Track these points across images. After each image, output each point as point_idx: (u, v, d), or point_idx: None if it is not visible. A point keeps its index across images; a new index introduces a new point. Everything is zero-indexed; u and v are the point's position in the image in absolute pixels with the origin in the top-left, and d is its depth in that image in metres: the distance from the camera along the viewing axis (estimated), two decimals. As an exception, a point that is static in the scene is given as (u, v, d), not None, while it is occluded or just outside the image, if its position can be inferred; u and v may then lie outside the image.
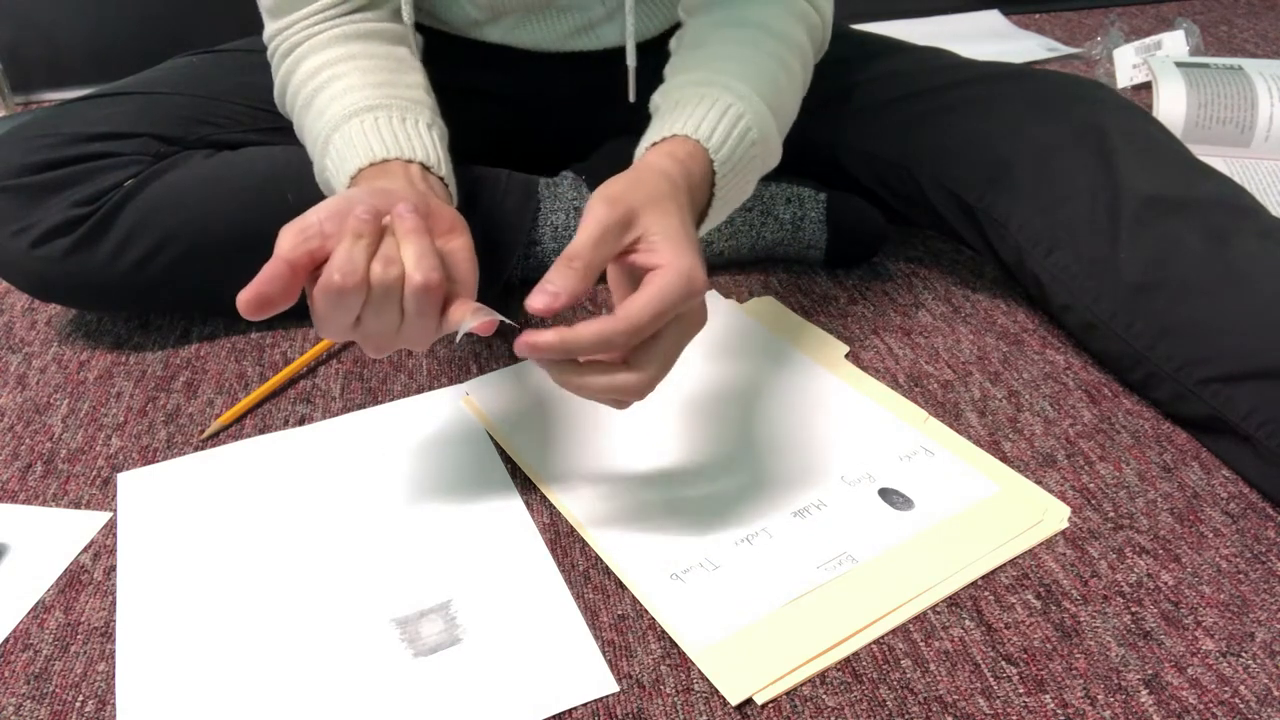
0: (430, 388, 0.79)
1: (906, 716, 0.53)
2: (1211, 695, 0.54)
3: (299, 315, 0.60)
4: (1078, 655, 0.56)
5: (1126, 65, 1.35)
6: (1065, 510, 0.66)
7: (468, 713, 0.53)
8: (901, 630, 0.58)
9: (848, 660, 0.56)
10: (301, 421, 0.76)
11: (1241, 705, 0.53)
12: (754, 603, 0.59)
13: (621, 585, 0.61)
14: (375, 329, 0.52)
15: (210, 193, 0.80)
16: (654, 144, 0.61)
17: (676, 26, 0.74)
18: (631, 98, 0.67)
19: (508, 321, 0.54)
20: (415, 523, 0.66)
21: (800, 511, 0.65)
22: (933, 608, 0.59)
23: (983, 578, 0.61)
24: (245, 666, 0.57)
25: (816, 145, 0.88)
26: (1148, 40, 1.36)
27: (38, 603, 0.62)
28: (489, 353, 0.82)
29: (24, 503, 0.70)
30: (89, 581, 0.63)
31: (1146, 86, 1.31)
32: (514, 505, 0.67)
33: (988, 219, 0.81)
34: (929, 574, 0.61)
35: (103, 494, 0.70)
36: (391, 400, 0.77)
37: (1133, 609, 0.59)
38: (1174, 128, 1.11)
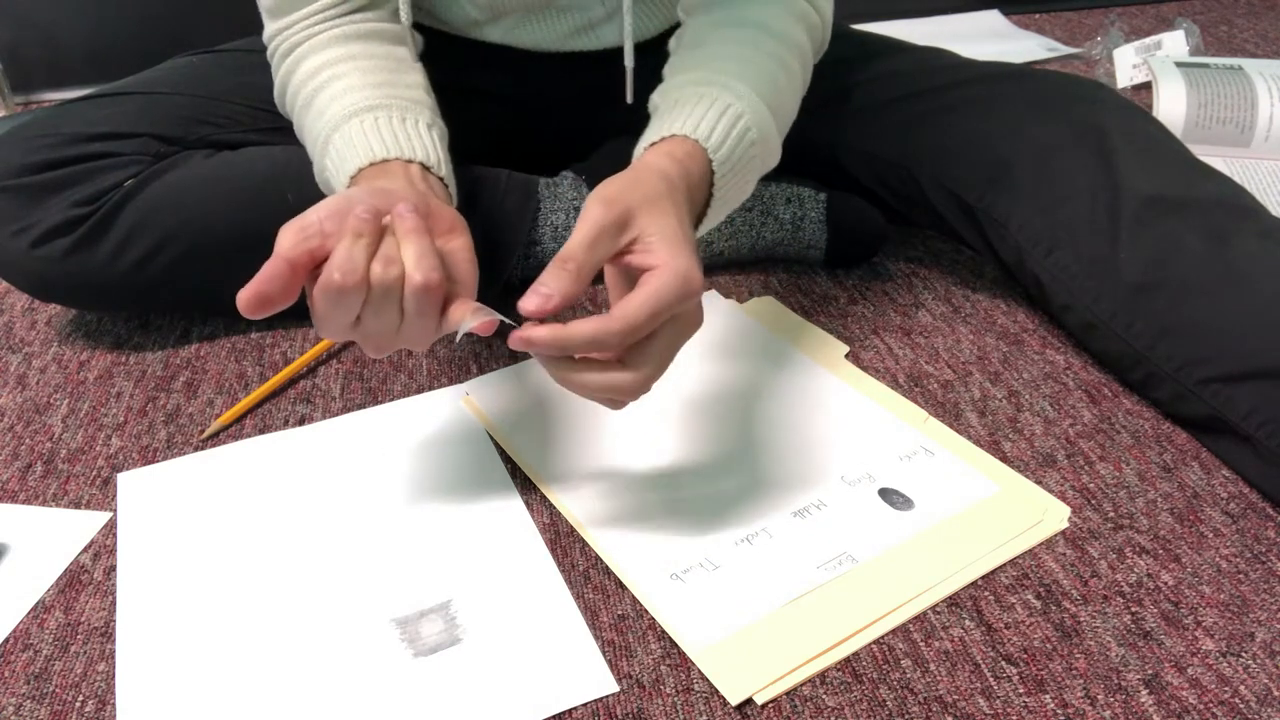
0: (430, 388, 0.79)
1: (906, 716, 0.53)
2: (1211, 695, 0.54)
3: (299, 315, 0.60)
4: (1078, 655, 0.56)
5: (1126, 65, 1.35)
6: (1065, 510, 0.66)
7: (468, 713, 0.53)
8: (901, 630, 0.58)
9: (848, 660, 0.56)
10: (301, 421, 0.76)
11: (1241, 705, 0.53)
12: (754, 603, 0.59)
13: (621, 585, 0.61)
14: (375, 329, 0.52)
15: (210, 193, 0.80)
16: (653, 144, 0.61)
17: (676, 27, 0.74)
18: (629, 99, 0.67)
19: (507, 321, 0.54)
20: (415, 523, 0.66)
21: (800, 511, 0.65)
22: (933, 608, 0.59)
23: (983, 578, 0.61)
24: (245, 666, 0.57)
25: (816, 145, 0.88)
26: (1148, 40, 1.36)
27: (38, 603, 0.62)
28: (489, 353, 0.82)
29: (24, 503, 0.70)
30: (89, 581, 0.63)
31: (1146, 86, 1.31)
32: (514, 505, 0.67)
33: (988, 219, 0.81)
34: (929, 574, 0.61)
35: (103, 494, 0.70)
36: (391, 400, 0.77)
37: (1133, 609, 0.59)
38: (1174, 128, 1.11)
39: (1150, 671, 0.55)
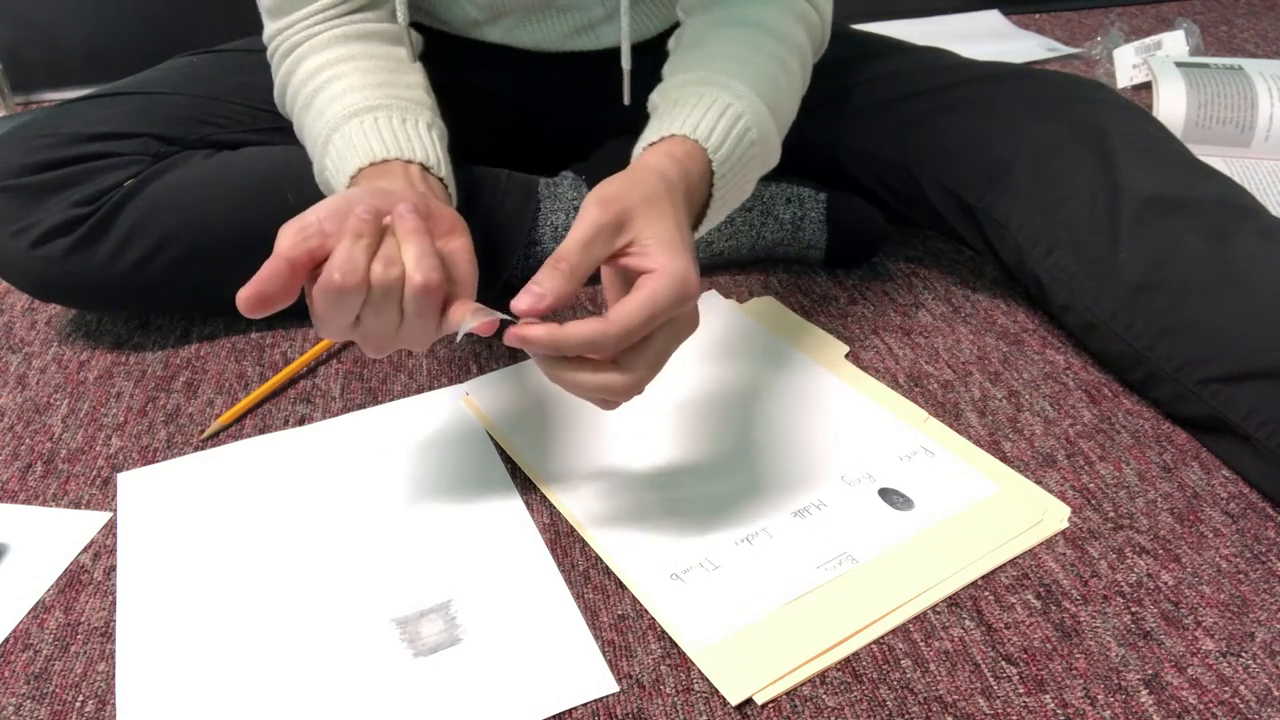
0: (430, 388, 0.79)
1: (906, 716, 0.53)
2: (1211, 695, 0.54)
3: (299, 315, 0.60)
4: (1078, 655, 0.56)
5: (1126, 65, 1.35)
6: (1065, 510, 0.66)
7: (468, 713, 0.53)
8: (901, 630, 0.58)
9: (848, 660, 0.56)
10: (301, 421, 0.76)
11: (1241, 705, 0.53)
12: (754, 603, 0.59)
13: (621, 585, 0.61)
14: (374, 329, 0.52)
15: (210, 193, 0.80)
16: (652, 144, 0.61)
17: (675, 27, 0.74)
18: (626, 100, 0.67)
19: (507, 319, 0.54)
20: (415, 523, 0.66)
21: (800, 511, 0.65)
22: (933, 608, 0.59)
23: (983, 578, 0.61)
24: (245, 666, 0.57)
25: (816, 145, 0.88)
26: (1148, 40, 1.36)
27: (38, 603, 0.62)
28: (489, 353, 0.82)
29: (24, 503, 0.70)
30: (89, 581, 0.63)
31: (1146, 86, 1.31)
32: (514, 505, 0.67)
33: (988, 219, 0.81)
34: (929, 574, 0.61)
35: (103, 494, 0.70)
36: (391, 400, 0.77)
37: (1133, 609, 0.59)
38: (1174, 128, 1.11)
39: (1150, 671, 0.55)
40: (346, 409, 0.77)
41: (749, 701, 0.54)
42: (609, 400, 0.55)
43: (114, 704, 0.55)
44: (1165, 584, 0.61)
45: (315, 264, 0.51)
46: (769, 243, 0.91)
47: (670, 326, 0.54)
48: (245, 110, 0.85)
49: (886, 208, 0.91)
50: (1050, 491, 0.67)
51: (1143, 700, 0.54)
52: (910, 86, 0.86)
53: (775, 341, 0.82)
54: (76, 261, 0.78)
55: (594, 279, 0.57)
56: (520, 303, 0.51)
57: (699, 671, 0.56)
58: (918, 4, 1.58)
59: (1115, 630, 0.58)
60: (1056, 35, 1.52)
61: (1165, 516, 0.65)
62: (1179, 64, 1.18)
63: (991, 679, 0.55)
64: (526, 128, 0.93)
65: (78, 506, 0.69)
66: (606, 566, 0.62)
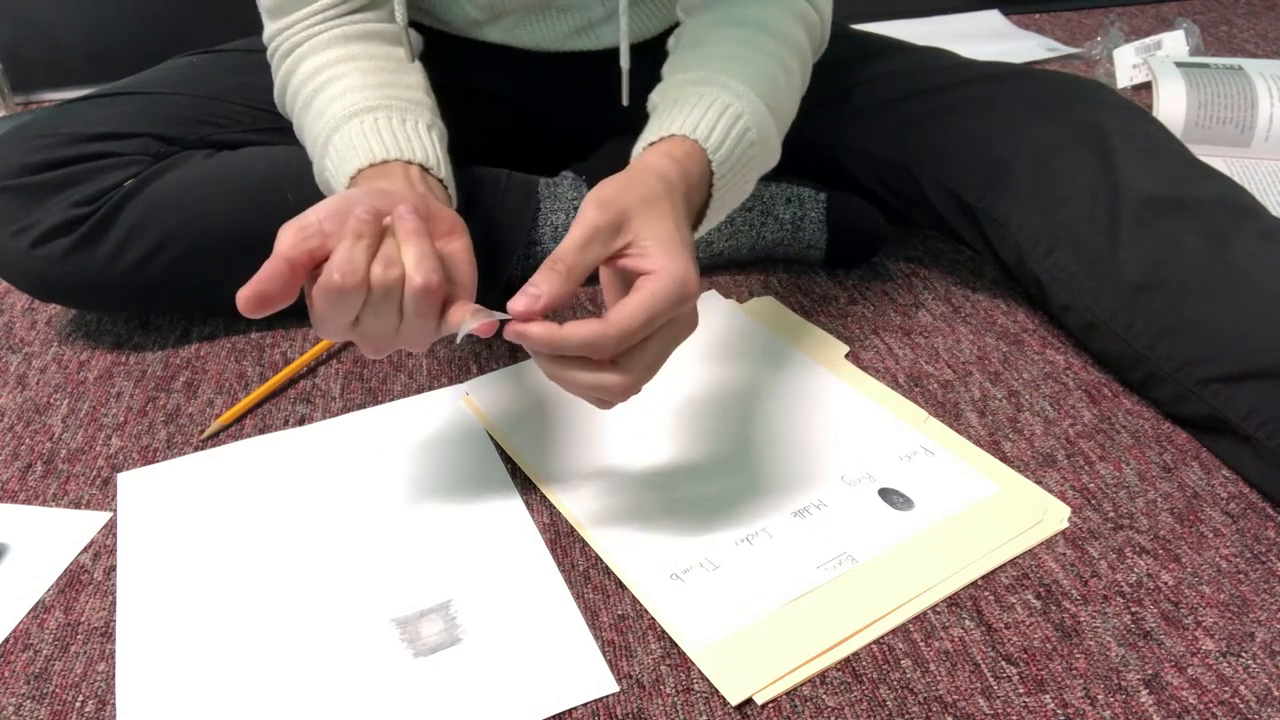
0: (430, 388, 0.79)
1: (906, 716, 0.53)
2: (1211, 695, 0.54)
3: (299, 315, 0.60)
4: (1078, 655, 0.56)
5: (1126, 65, 1.35)
6: (1065, 510, 0.66)
7: (468, 713, 0.54)
8: (901, 630, 0.58)
9: (848, 660, 0.56)
10: (301, 421, 0.76)
11: (1241, 705, 0.53)
12: (754, 603, 0.59)
13: (621, 585, 0.61)
14: (374, 329, 0.52)
15: (210, 193, 0.80)
16: (651, 143, 0.61)
17: (675, 27, 0.74)
18: (625, 101, 0.67)
19: (507, 320, 0.54)
20: (415, 523, 0.66)
21: (800, 511, 0.65)
22: (933, 608, 0.59)
23: (983, 578, 0.61)
24: (245, 666, 0.57)
25: (816, 145, 0.88)
26: (1148, 40, 1.36)
27: (38, 603, 0.62)
28: (489, 353, 0.82)
29: (24, 503, 0.70)
30: (89, 581, 0.63)
31: (1146, 86, 1.31)
32: (514, 505, 0.67)
33: (988, 219, 0.81)
34: (929, 574, 0.61)
35: (103, 494, 0.70)
36: (391, 400, 0.77)
37: (1133, 609, 0.59)
38: (1174, 128, 1.11)
39: (1150, 671, 0.55)
40: (346, 409, 0.77)
41: (749, 701, 0.54)
42: (605, 400, 0.55)
43: (114, 704, 0.55)
44: (1165, 584, 0.61)
45: (315, 264, 0.51)
46: (769, 243, 0.91)
47: (669, 327, 0.53)
48: (245, 110, 0.85)
49: (886, 208, 0.91)
50: (1050, 491, 0.67)
51: (1143, 700, 0.54)
52: (910, 86, 0.86)
53: (775, 341, 0.82)
54: (76, 261, 0.78)
55: (594, 278, 0.57)
56: (517, 304, 0.51)
57: (699, 671, 0.56)
58: (918, 4, 1.58)
59: (1115, 630, 0.58)
60: (1056, 35, 1.52)
61: (1165, 516, 0.65)
62: (1179, 64, 1.18)
63: (991, 679, 0.55)
64: (526, 128, 0.93)
65: (78, 506, 0.69)
66: (606, 566, 0.62)
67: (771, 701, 0.54)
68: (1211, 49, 1.46)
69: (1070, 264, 0.75)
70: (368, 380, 0.80)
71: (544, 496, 0.68)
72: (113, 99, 0.84)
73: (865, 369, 0.79)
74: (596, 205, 0.53)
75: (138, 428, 0.76)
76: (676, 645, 0.57)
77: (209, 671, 0.56)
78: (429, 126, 0.66)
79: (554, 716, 0.54)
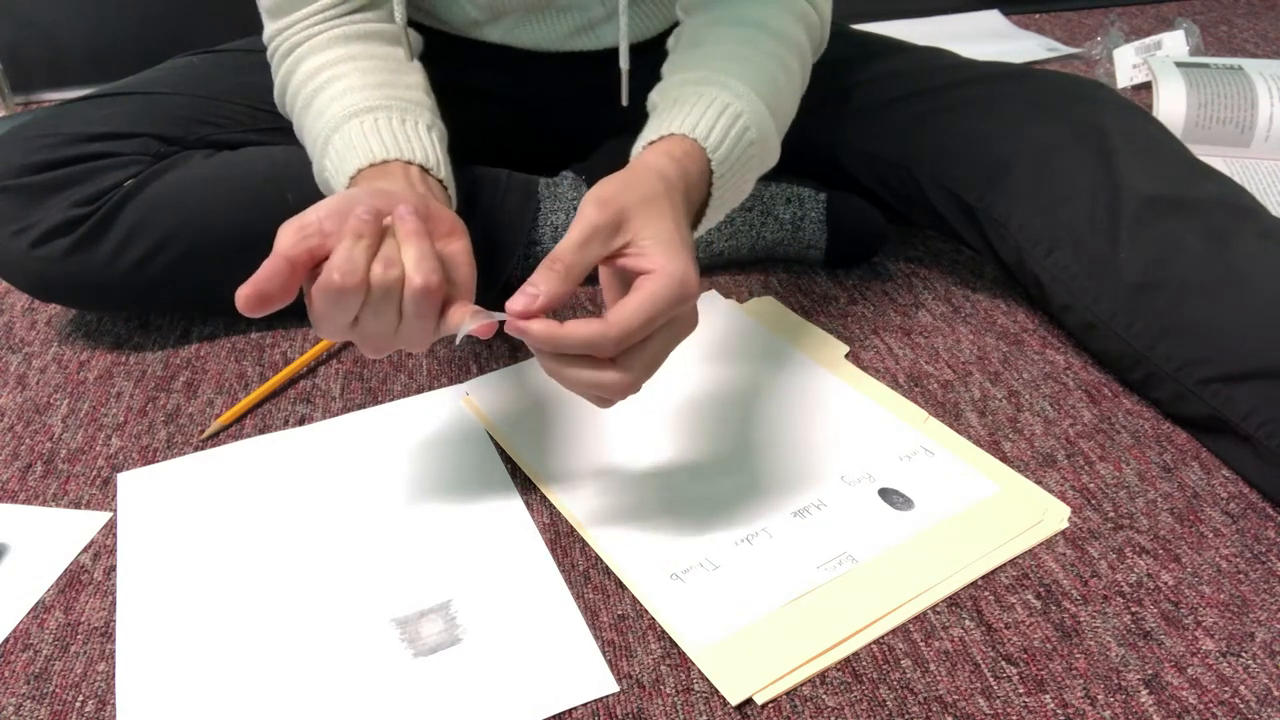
0: (430, 388, 0.79)
1: (906, 716, 0.53)
2: (1211, 695, 0.54)
3: (299, 315, 0.60)
4: (1078, 655, 0.56)
5: (1126, 65, 1.35)
6: (1065, 510, 0.66)
7: (468, 713, 0.53)
8: (901, 630, 0.58)
9: (848, 660, 0.56)
10: (301, 421, 0.76)
11: (1241, 705, 0.53)
12: (754, 603, 0.59)
13: (621, 585, 0.61)
14: (373, 329, 0.52)
15: (210, 193, 0.80)
16: (650, 142, 0.61)
17: (675, 27, 0.74)
18: (624, 101, 0.67)
19: (506, 321, 0.54)
20: (415, 523, 0.66)
21: (800, 511, 0.65)
22: (933, 608, 0.59)
23: (983, 578, 0.61)
24: (245, 666, 0.57)
25: (816, 145, 0.88)
26: (1148, 40, 1.36)
27: (38, 603, 0.62)
28: (489, 353, 0.82)
29: (24, 503, 0.70)
30: (89, 581, 0.63)
31: (1146, 86, 1.31)
32: (514, 505, 0.67)
33: (988, 219, 0.81)
34: (929, 574, 0.61)
35: (103, 494, 0.70)
36: (391, 400, 0.77)
37: (1133, 609, 0.59)
38: (1174, 128, 1.11)
39: (1150, 671, 0.55)
40: (346, 409, 0.77)
41: (749, 701, 0.54)
42: (605, 398, 0.55)
43: (114, 704, 0.55)
44: (1165, 584, 0.61)
45: (314, 263, 0.51)
46: (769, 243, 0.91)
47: (669, 326, 0.53)
48: (245, 110, 0.85)
49: (886, 208, 0.91)
50: (1050, 491, 0.67)
51: (1143, 700, 0.54)
52: (910, 86, 0.86)
53: (775, 341, 0.82)
54: (76, 261, 0.78)
55: (593, 278, 0.57)
56: (515, 304, 0.51)
57: (699, 671, 0.56)
58: (918, 4, 1.58)
59: (1115, 630, 0.58)
60: (1056, 35, 1.52)
61: (1165, 516, 0.65)
62: (1179, 64, 1.18)
63: (991, 679, 0.55)
64: (526, 128, 0.93)
65: (78, 506, 0.69)
66: (606, 566, 0.62)
67: (771, 701, 0.54)
68: (1211, 49, 1.46)
69: (1070, 264, 0.75)
70: (368, 380, 0.80)
71: (544, 496, 0.68)
72: (113, 99, 0.84)
73: (865, 369, 0.79)
74: (595, 204, 0.52)
75: (138, 428, 0.76)
76: (676, 645, 0.57)
77: (209, 671, 0.56)
78: (429, 127, 0.66)
79: (554, 716, 0.54)
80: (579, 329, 0.51)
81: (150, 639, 0.58)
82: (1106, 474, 0.69)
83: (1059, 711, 0.53)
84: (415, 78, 0.71)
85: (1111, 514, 0.66)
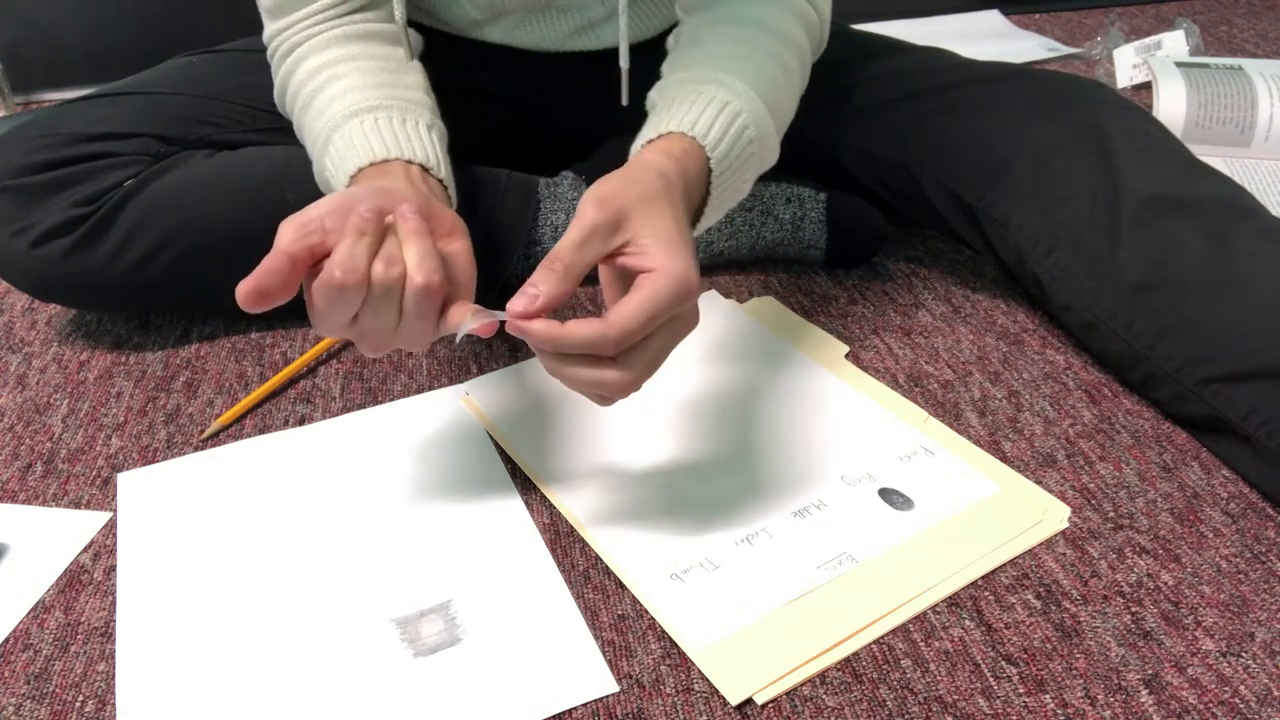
0: (430, 388, 0.79)
1: (906, 716, 0.53)
2: (1211, 695, 0.54)
3: (299, 315, 0.60)
4: (1078, 655, 0.56)
5: (1126, 65, 1.35)
6: (1065, 510, 0.66)
7: (468, 713, 0.53)
8: (901, 630, 0.58)
9: (848, 660, 0.56)
10: (301, 421, 0.76)
11: (1241, 705, 0.53)
12: (754, 603, 0.59)
13: (621, 585, 0.61)
14: (373, 328, 0.52)
15: (210, 193, 0.80)
16: (649, 141, 0.61)
17: (675, 27, 0.74)
18: (624, 100, 0.67)
19: (506, 321, 0.54)
20: (415, 523, 0.66)
21: (800, 511, 0.65)
22: (933, 608, 0.59)
23: (983, 578, 0.61)
24: (245, 666, 0.57)
25: (816, 145, 0.88)
26: (1148, 40, 1.36)
27: (38, 603, 0.62)
28: (489, 353, 0.82)
29: (24, 503, 0.69)
30: (89, 581, 0.63)
31: (1146, 86, 1.31)
32: (514, 505, 0.67)
33: (988, 219, 0.81)
34: (929, 574, 0.61)
35: (103, 494, 0.70)
36: (391, 400, 0.77)
37: (1133, 609, 0.59)
38: (1174, 128, 1.11)
39: (1150, 671, 0.55)
40: (346, 409, 0.77)
41: (749, 701, 0.54)
42: (606, 396, 0.55)
43: (114, 704, 0.55)
44: (1165, 584, 0.61)
45: (315, 260, 0.51)
46: (769, 243, 0.91)
47: (670, 325, 0.53)
48: (245, 110, 0.85)
49: (886, 208, 0.91)
50: (1050, 491, 0.67)
51: (1143, 700, 0.54)
52: (910, 86, 0.86)
53: (775, 341, 0.82)
54: (76, 261, 0.78)
55: (593, 277, 0.57)
56: (515, 304, 0.51)
57: (699, 671, 0.56)
58: (918, 4, 1.58)
59: (1115, 630, 0.58)
60: (1056, 35, 1.52)
61: (1165, 516, 0.65)
62: (1179, 64, 1.18)
63: (991, 679, 0.55)
64: (526, 128, 0.93)
65: (78, 506, 0.69)
66: (606, 566, 0.62)
67: (771, 701, 0.54)
68: (1211, 49, 1.47)
69: (1070, 264, 0.75)
70: (368, 380, 0.80)
71: (544, 496, 0.68)
72: (113, 99, 0.84)
73: (865, 369, 0.79)
74: (594, 203, 0.52)
75: (138, 428, 0.76)
76: (676, 645, 0.57)
77: (209, 671, 0.56)
78: (429, 126, 0.66)
79: (554, 716, 0.54)
80: (579, 329, 0.51)
81: (150, 639, 0.58)
82: (1106, 474, 0.69)
83: (1059, 711, 0.53)
84: (415, 77, 0.71)
85: (1111, 514, 0.66)
